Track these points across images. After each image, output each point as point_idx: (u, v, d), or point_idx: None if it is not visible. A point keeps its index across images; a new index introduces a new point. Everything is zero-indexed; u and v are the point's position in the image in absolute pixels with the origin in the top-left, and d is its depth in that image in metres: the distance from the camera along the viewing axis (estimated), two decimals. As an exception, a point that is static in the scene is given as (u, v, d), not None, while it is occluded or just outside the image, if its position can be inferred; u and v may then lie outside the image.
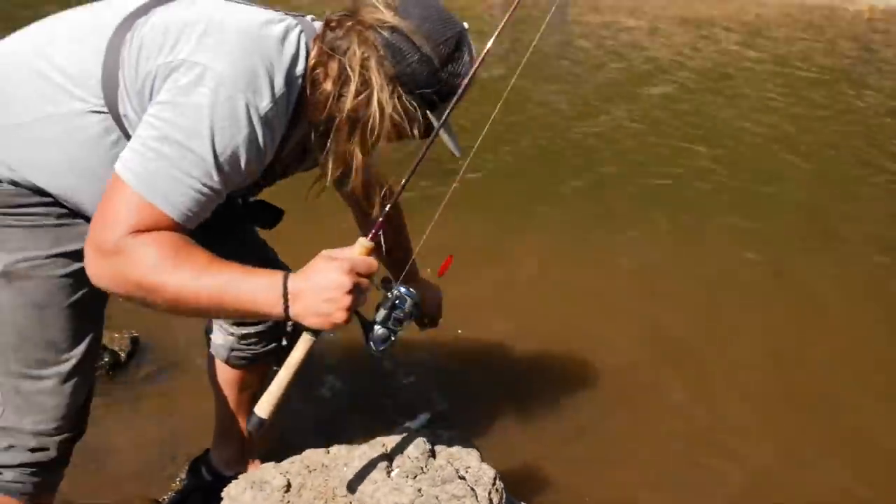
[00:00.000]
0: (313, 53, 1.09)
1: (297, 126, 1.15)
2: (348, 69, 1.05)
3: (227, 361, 1.63)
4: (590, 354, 2.53)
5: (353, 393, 2.37)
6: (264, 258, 1.49)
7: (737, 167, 4.42)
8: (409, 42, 1.05)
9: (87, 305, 1.25)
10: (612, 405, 2.29)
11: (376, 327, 1.10)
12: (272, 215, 1.39)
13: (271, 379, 1.09)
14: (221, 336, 1.61)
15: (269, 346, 1.63)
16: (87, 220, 1.14)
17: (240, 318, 1.06)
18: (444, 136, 1.12)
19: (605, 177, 4.28)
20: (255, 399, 1.71)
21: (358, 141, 1.09)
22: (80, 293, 1.22)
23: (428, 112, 1.10)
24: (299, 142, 1.21)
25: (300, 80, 1.09)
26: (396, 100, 1.07)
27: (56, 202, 1.16)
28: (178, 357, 2.39)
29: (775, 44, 8.71)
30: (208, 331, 1.65)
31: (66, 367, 1.24)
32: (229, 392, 1.69)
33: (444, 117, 1.09)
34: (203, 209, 1.03)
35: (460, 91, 1.09)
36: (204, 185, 1.01)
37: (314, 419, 2.21)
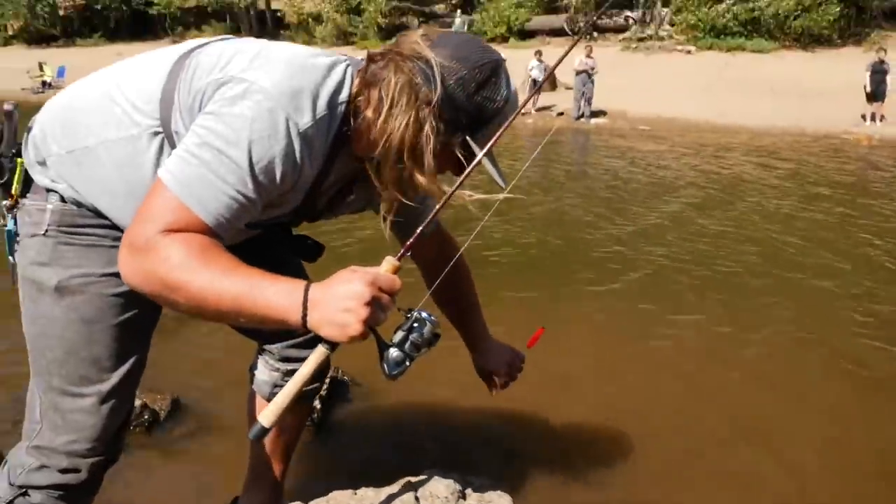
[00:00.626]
0: (356, 83, 1.11)
1: (339, 157, 1.16)
2: (384, 96, 1.07)
3: (268, 398, 1.64)
4: (634, 419, 2.48)
5: (380, 434, 2.37)
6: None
7: (784, 263, 4.50)
8: (445, 69, 1.06)
9: (133, 327, 1.26)
10: (651, 468, 2.22)
11: (392, 350, 1.06)
12: (313, 249, 1.41)
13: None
14: (266, 372, 1.59)
15: (312, 386, 1.64)
16: None
17: (258, 323, 0.98)
18: (487, 165, 1.13)
19: (662, 267, 4.39)
20: (293, 443, 1.72)
21: (402, 165, 1.10)
22: (128, 314, 1.24)
23: (468, 138, 1.11)
24: (343, 177, 1.23)
25: (343, 108, 1.10)
26: (432, 123, 1.07)
27: (113, 225, 1.19)
28: (215, 419, 2.42)
29: (789, 163, 9.01)
30: (252, 368, 1.65)
31: (106, 387, 1.25)
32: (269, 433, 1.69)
33: (489, 144, 1.10)
34: (235, 217, 1.03)
35: (508, 121, 1.12)
36: (238, 192, 1.01)
37: (341, 460, 2.21)
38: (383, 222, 1.22)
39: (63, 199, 1.20)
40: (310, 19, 25.11)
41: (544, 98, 14.33)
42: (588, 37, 20.09)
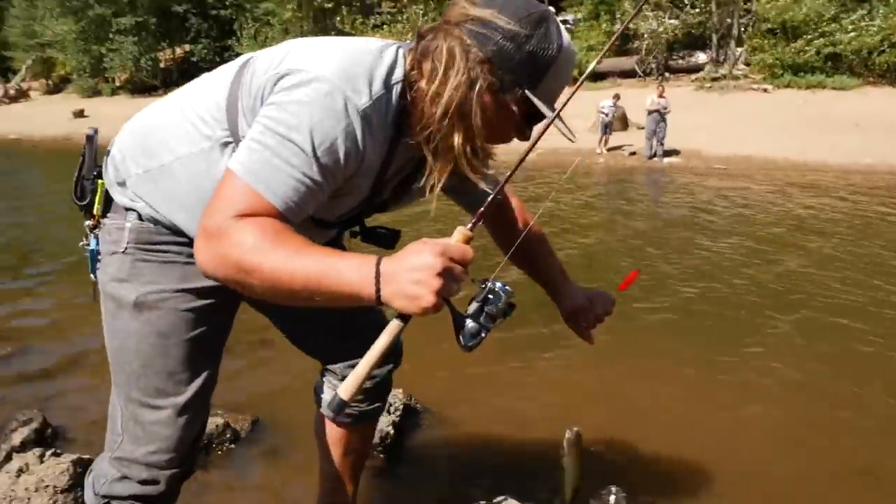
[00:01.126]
0: (409, 59, 1.11)
1: (401, 143, 1.15)
2: (437, 64, 1.06)
3: (334, 419, 1.64)
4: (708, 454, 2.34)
5: (453, 461, 2.34)
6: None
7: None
8: (492, 25, 1.04)
9: (206, 342, 1.29)
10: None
11: (468, 321, 1.04)
12: (389, 237, 1.40)
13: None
14: (331, 393, 1.60)
15: (375, 405, 1.64)
16: None
17: (333, 301, 0.95)
18: (559, 125, 1.11)
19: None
20: (359, 464, 1.72)
21: (460, 131, 1.07)
22: (201, 328, 1.27)
23: (528, 92, 1.07)
24: (407, 163, 1.22)
25: (399, 86, 1.10)
26: (487, 80, 1.05)
27: (189, 241, 1.20)
28: (291, 440, 2.45)
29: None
30: (318, 389, 1.66)
31: (182, 399, 1.27)
32: (336, 452, 1.67)
33: (557, 108, 1.09)
34: (304, 201, 1.03)
35: (582, 78, 1.10)
36: (304, 174, 1.01)
37: (413, 487, 2.19)
38: (430, 191, 1.18)
39: (141, 218, 1.23)
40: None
41: (616, 138, 14.17)
42: (660, 77, 19.83)
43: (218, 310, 1.30)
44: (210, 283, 1.19)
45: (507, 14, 1.04)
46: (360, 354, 1.50)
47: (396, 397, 2.53)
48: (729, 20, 20.16)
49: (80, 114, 25.98)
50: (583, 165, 12.56)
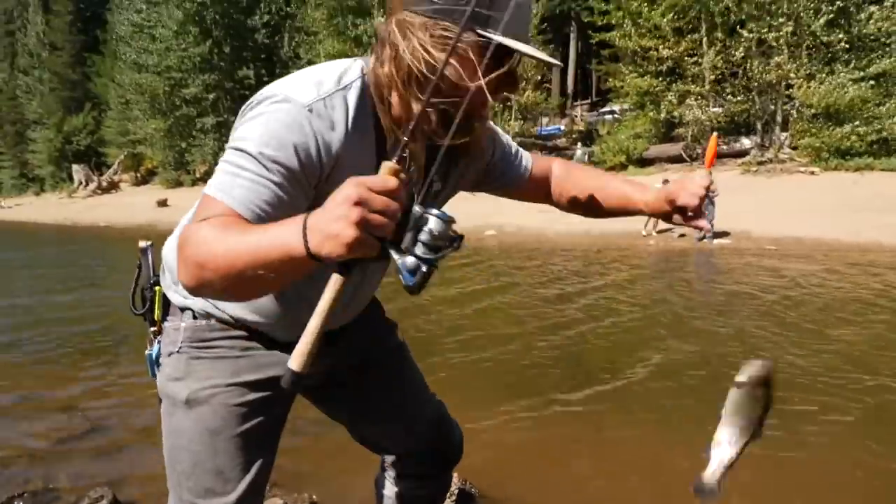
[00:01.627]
0: (371, 59, 1.09)
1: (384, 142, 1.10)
2: (386, 44, 1.04)
3: None
4: None
5: None
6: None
7: None
8: None
9: (257, 436, 1.26)
10: None
11: (400, 256, 0.91)
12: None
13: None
14: (390, 487, 1.63)
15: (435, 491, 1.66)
16: (267, 347, 1.25)
17: (275, 269, 0.89)
18: (520, 47, 0.99)
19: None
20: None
21: (422, 100, 0.98)
22: (252, 422, 1.25)
23: (478, 30, 0.98)
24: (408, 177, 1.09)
25: (357, 82, 1.07)
26: (433, 34, 0.99)
27: (240, 336, 1.23)
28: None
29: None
30: (378, 484, 1.66)
31: (231, 498, 1.23)
32: None
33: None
34: (266, 202, 0.99)
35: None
36: (259, 175, 0.98)
37: None
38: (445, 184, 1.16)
39: (195, 316, 1.25)
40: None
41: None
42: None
43: (270, 403, 1.27)
44: (262, 375, 1.25)
45: None
46: (417, 447, 1.56)
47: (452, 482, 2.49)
48: (772, 106, 20.19)
49: (163, 203, 27.88)
50: (634, 248, 12.52)
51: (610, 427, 3.29)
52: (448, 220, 0.92)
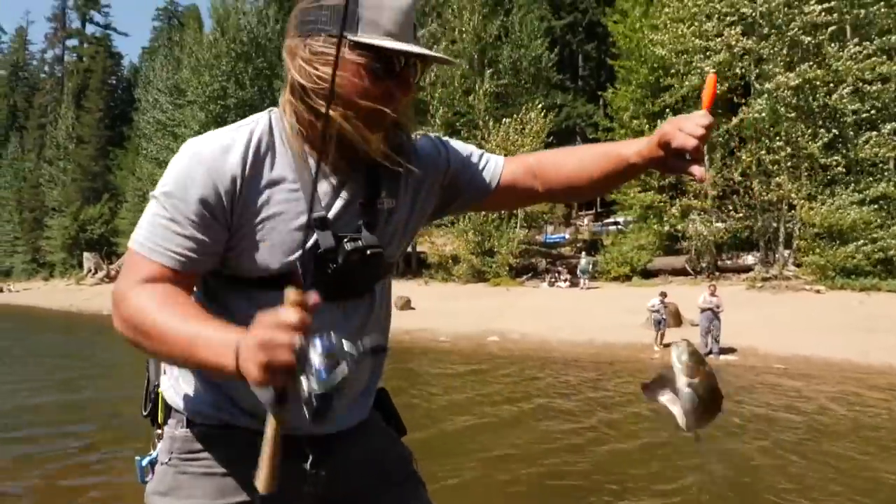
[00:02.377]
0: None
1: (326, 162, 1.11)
2: (286, 72, 1.09)
3: None
4: None
5: None
6: None
7: None
8: (301, 9, 1.08)
9: None
10: None
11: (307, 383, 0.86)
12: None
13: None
14: None
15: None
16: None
17: (203, 369, 0.98)
18: (392, 44, 1.02)
19: None
20: None
21: (312, 109, 1.06)
22: None
23: (347, 35, 1.00)
24: (351, 188, 1.13)
25: (266, 117, 1.13)
26: (312, 48, 1.04)
27: (227, 455, 1.16)
28: None
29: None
30: None
31: None
32: None
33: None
34: (188, 249, 1.04)
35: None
36: (172, 220, 1.04)
37: None
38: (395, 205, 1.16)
39: (188, 422, 1.19)
40: (449, 259, 26.97)
41: (670, 334, 13.96)
42: (711, 275, 19.89)
43: None
44: (246, 499, 1.15)
45: None
46: None
47: None
48: (775, 224, 20.50)
49: (168, 294, 27.69)
50: (639, 360, 12.29)
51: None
52: (329, 351, 0.86)
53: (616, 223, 27.83)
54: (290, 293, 0.86)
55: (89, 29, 67.16)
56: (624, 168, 1.21)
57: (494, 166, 1.30)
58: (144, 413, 1.31)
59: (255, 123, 1.12)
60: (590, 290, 21.79)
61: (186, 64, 37.17)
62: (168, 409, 1.24)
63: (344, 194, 1.12)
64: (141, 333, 0.98)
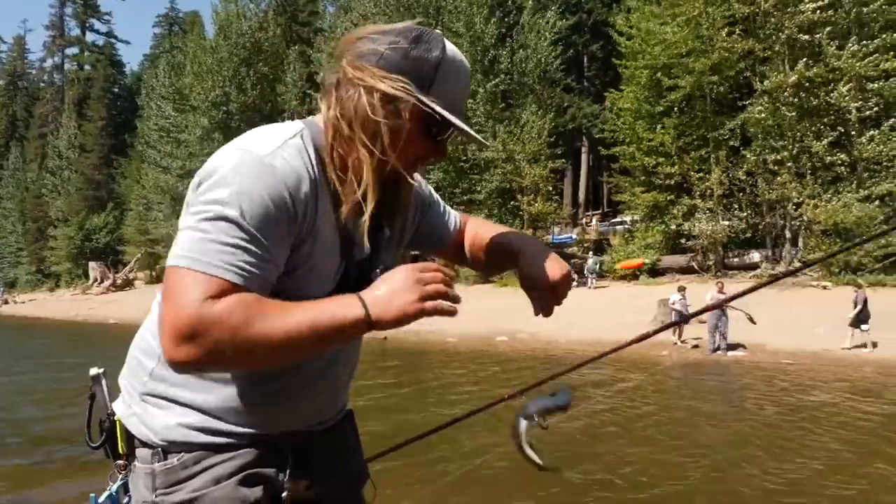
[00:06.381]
0: (322, 105, 1.11)
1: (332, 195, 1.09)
2: (331, 91, 1.07)
3: None
4: None
5: None
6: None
7: None
8: (375, 39, 1.06)
9: None
10: None
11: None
12: None
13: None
14: None
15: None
16: (249, 465, 1.11)
17: (333, 339, 0.99)
18: (459, 123, 1.07)
19: None
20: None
21: (365, 147, 1.04)
22: None
23: (419, 95, 1.04)
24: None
25: (304, 133, 1.08)
26: (378, 89, 1.03)
27: (215, 462, 1.11)
28: None
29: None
30: None
31: None
32: None
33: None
34: (256, 267, 0.98)
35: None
36: (240, 240, 0.97)
37: None
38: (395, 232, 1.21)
39: (165, 453, 1.11)
40: (455, 262, 27.04)
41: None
42: (718, 273, 20.15)
43: None
44: None
45: (387, 29, 1.08)
46: None
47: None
48: (781, 221, 20.75)
49: (176, 302, 27.99)
50: (648, 357, 12.57)
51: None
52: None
53: (623, 223, 28.05)
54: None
55: (90, 37, 67.87)
56: (503, 264, 1.32)
57: (454, 224, 1.39)
58: (93, 444, 1.23)
59: (299, 135, 1.08)
60: (597, 289, 22.09)
61: (189, 70, 37.59)
62: (130, 440, 1.15)
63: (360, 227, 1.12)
64: (242, 345, 0.93)
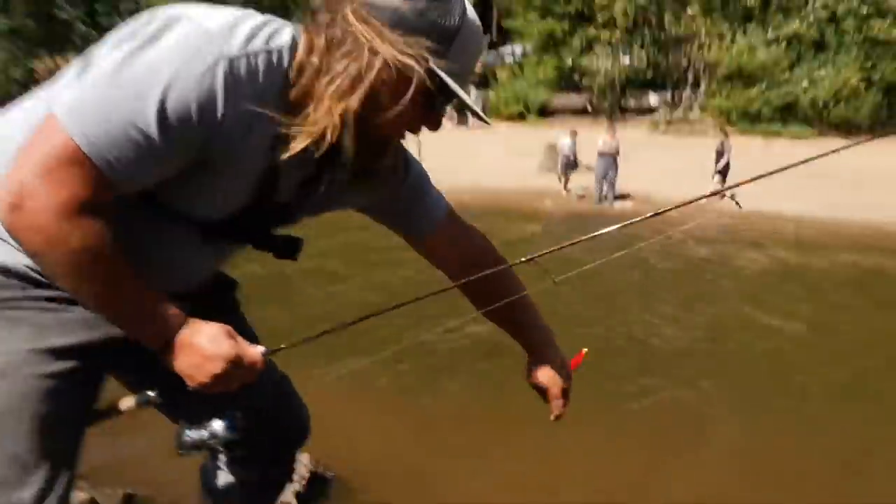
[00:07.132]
0: (302, 38, 1.03)
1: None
2: (330, 35, 1.00)
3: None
4: None
5: None
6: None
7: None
8: None
9: (64, 416, 1.15)
10: None
11: (188, 433, 1.21)
12: (289, 245, 1.28)
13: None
14: (221, 476, 1.59)
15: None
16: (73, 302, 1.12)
17: (126, 330, 1.06)
18: (461, 94, 1.05)
19: None
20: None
21: (350, 110, 1.00)
22: (57, 400, 1.13)
23: (433, 64, 1.01)
24: (303, 164, 1.09)
25: (284, 53, 1.02)
26: (386, 49, 0.98)
27: (43, 295, 1.12)
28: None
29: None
30: (206, 474, 1.60)
31: (28, 494, 1.11)
32: None
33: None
34: (135, 163, 0.95)
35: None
36: (139, 128, 0.94)
37: None
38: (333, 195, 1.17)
39: None
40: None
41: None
42: (612, 117, 20.64)
43: (80, 378, 1.17)
44: (69, 341, 1.14)
45: None
46: (266, 419, 1.44)
47: (302, 463, 2.49)
48: (685, 62, 21.29)
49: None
50: (524, 209, 12.71)
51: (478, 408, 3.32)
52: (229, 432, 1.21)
53: (513, 53, 27.75)
54: (260, 350, 1.11)
55: None
56: (512, 332, 1.45)
57: (437, 214, 1.37)
58: None
59: (274, 52, 1.01)
60: (478, 129, 21.99)
61: None
62: None
63: (297, 173, 1.13)
64: (95, 264, 0.97)
